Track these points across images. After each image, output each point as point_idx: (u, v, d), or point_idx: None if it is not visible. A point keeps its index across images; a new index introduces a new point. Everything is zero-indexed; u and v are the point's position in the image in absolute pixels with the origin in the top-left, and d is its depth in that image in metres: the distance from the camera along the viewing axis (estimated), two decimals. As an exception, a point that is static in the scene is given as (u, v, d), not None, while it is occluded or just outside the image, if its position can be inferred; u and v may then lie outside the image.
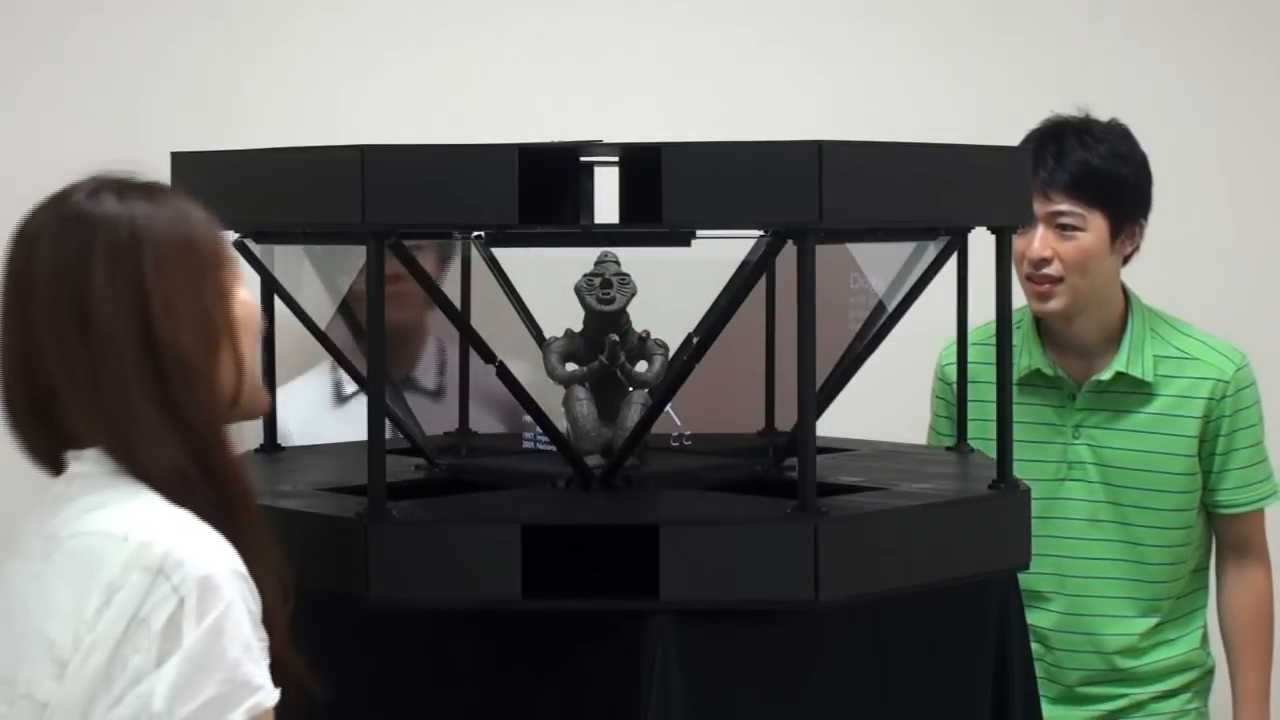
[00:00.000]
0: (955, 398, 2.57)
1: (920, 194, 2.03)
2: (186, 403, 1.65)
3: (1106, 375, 2.75)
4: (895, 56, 3.32)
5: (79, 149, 3.07)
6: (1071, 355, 2.78)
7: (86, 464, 1.67)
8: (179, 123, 3.06)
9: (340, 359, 2.38)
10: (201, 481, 1.65)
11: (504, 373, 2.11)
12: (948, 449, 2.57)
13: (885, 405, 2.94)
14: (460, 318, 2.23)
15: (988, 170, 2.14)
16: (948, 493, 2.20)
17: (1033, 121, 2.80)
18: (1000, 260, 2.17)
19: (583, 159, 2.02)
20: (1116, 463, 2.74)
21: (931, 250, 2.25)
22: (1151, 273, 2.84)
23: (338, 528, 1.98)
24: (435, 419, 2.70)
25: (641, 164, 1.91)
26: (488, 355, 2.12)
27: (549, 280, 2.32)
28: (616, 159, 1.98)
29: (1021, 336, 2.77)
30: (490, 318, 2.47)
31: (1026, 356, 2.77)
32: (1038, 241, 2.69)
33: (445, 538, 1.95)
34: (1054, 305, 2.71)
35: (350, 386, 2.92)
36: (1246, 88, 3.43)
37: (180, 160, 2.17)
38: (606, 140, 2.01)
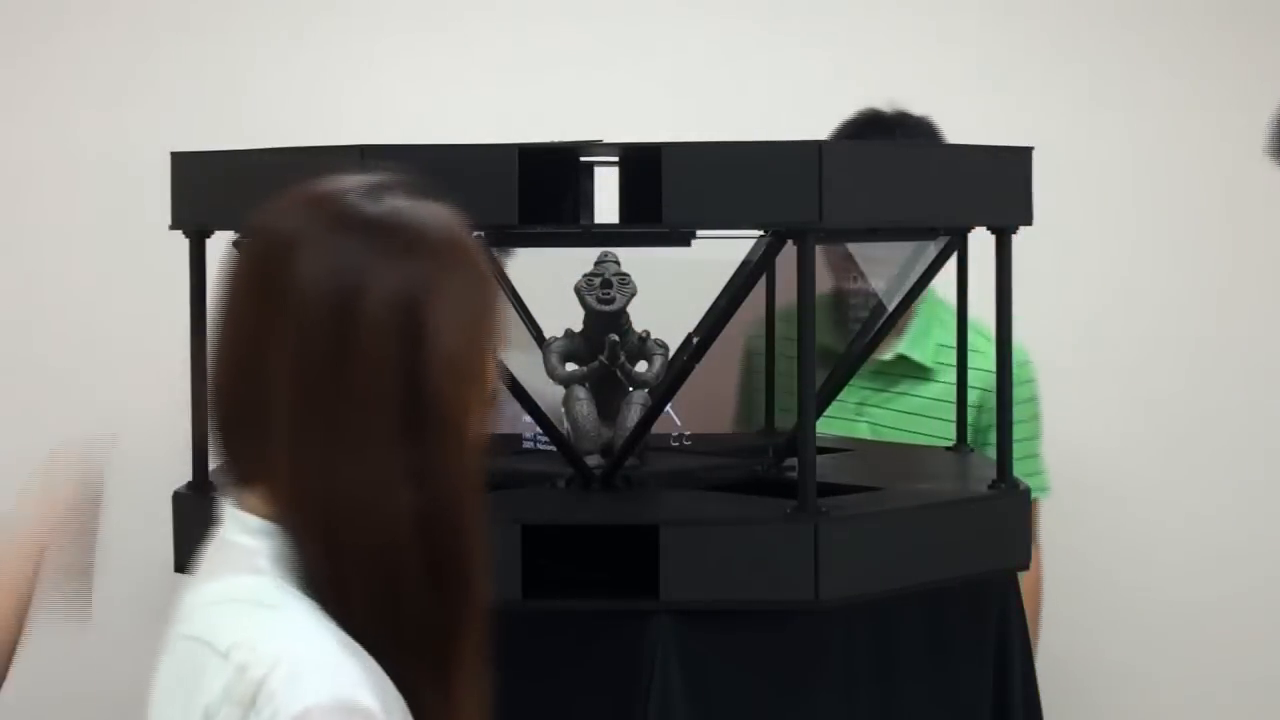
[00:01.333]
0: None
1: (920, 194, 2.03)
2: (435, 468, 1.33)
3: (888, 356, 2.79)
4: (896, 56, 3.32)
5: (79, 149, 3.09)
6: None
7: (250, 535, 1.36)
8: (179, 123, 3.06)
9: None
10: (417, 572, 1.33)
11: (504, 372, 2.11)
12: (948, 449, 2.56)
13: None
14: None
15: (988, 170, 2.14)
16: (947, 493, 2.20)
17: (1034, 120, 2.80)
18: (1000, 260, 2.17)
19: (583, 159, 2.02)
20: (894, 442, 2.77)
21: (931, 250, 2.25)
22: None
23: (338, 528, 1.98)
24: None
25: (641, 164, 1.91)
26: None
27: (549, 280, 2.32)
28: (616, 159, 1.98)
29: (821, 313, 2.77)
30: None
31: (820, 334, 2.76)
32: None
33: (445, 538, 1.95)
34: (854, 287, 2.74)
35: None
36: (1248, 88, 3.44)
37: (180, 160, 2.17)
38: (606, 140, 2.01)
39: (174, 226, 2.20)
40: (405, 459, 1.32)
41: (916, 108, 2.94)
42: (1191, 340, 3.36)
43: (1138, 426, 3.35)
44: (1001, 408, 2.20)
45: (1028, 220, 2.21)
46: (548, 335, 2.31)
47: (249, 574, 1.34)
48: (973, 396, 2.71)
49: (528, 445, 2.41)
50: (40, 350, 3.04)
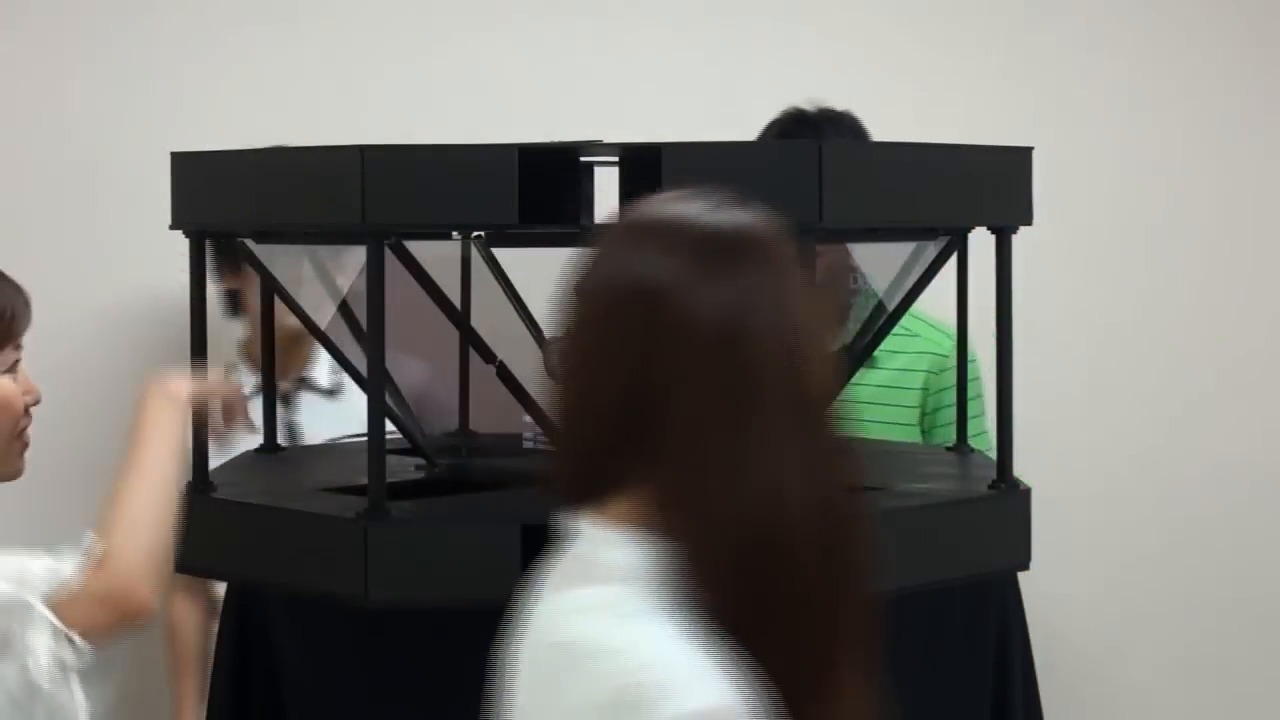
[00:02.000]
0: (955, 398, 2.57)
1: (920, 194, 2.03)
2: (821, 463, 1.37)
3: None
4: (896, 56, 3.32)
5: (79, 149, 3.09)
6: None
7: (617, 547, 1.38)
8: (179, 122, 3.06)
9: (340, 358, 2.38)
10: (812, 572, 1.34)
11: (504, 373, 2.11)
12: (948, 449, 2.56)
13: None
14: (460, 318, 2.23)
15: (988, 170, 2.14)
16: (948, 493, 2.20)
17: (1034, 120, 2.80)
18: (1000, 260, 2.17)
19: (583, 159, 2.02)
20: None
21: (931, 250, 2.25)
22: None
23: (338, 528, 1.98)
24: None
25: (641, 164, 1.91)
26: (488, 355, 2.12)
27: (549, 280, 2.32)
28: (616, 159, 1.98)
29: None
30: (490, 318, 2.47)
31: None
32: None
33: (445, 538, 1.95)
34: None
35: (244, 389, 2.89)
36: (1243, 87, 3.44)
37: (180, 160, 2.17)
38: (606, 140, 2.01)
39: (174, 226, 2.20)
40: (798, 459, 1.35)
41: (917, 107, 2.95)
42: (1192, 341, 3.36)
43: (1135, 426, 3.36)
44: (1002, 406, 2.19)
45: (1028, 220, 2.21)
46: (548, 335, 2.30)
47: (615, 584, 1.36)
48: (918, 379, 2.76)
49: (528, 445, 2.41)
50: (42, 350, 3.04)
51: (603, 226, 1.43)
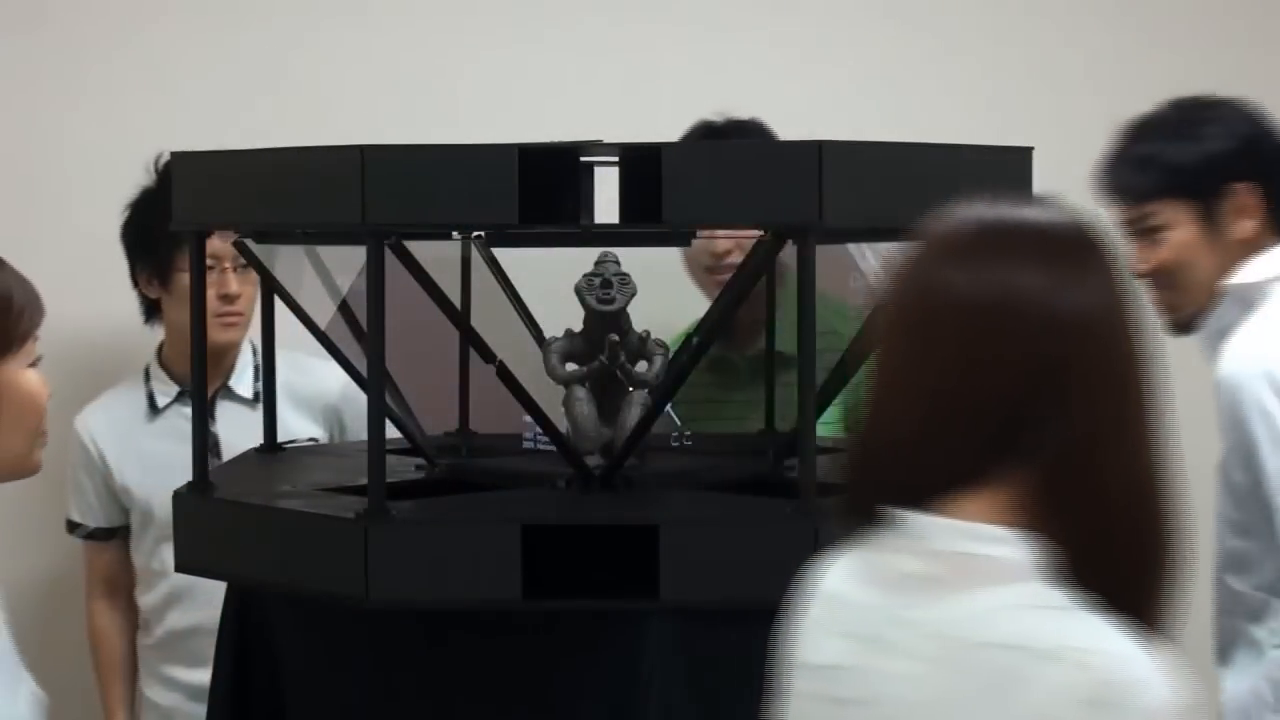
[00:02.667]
0: None
1: (920, 194, 2.03)
2: (1159, 446, 1.45)
3: (750, 353, 2.82)
4: (896, 56, 3.32)
5: (79, 149, 3.09)
6: (739, 332, 2.83)
7: (998, 544, 1.39)
8: (179, 123, 3.06)
9: (340, 359, 2.38)
10: (1167, 550, 1.44)
11: (504, 373, 2.11)
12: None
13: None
14: (460, 318, 2.23)
15: (988, 170, 2.14)
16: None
17: (1033, 120, 2.80)
18: (1000, 260, 2.16)
19: (583, 159, 2.02)
20: None
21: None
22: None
23: (338, 528, 1.98)
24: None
25: (641, 164, 1.91)
26: (488, 355, 2.12)
27: (549, 280, 2.32)
28: (616, 159, 1.98)
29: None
30: (490, 318, 2.47)
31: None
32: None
33: (445, 538, 1.95)
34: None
35: (163, 398, 2.89)
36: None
37: (180, 160, 2.17)
38: (606, 140, 2.01)
39: (174, 227, 2.20)
40: (1155, 444, 1.43)
41: (916, 107, 2.94)
42: (1192, 340, 3.36)
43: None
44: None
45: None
46: (548, 335, 2.30)
47: (1019, 582, 1.38)
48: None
49: (528, 445, 2.41)
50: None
51: (932, 236, 1.49)
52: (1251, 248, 2.43)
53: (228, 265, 2.76)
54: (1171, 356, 1.65)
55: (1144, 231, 2.46)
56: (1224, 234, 2.43)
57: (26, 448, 1.94)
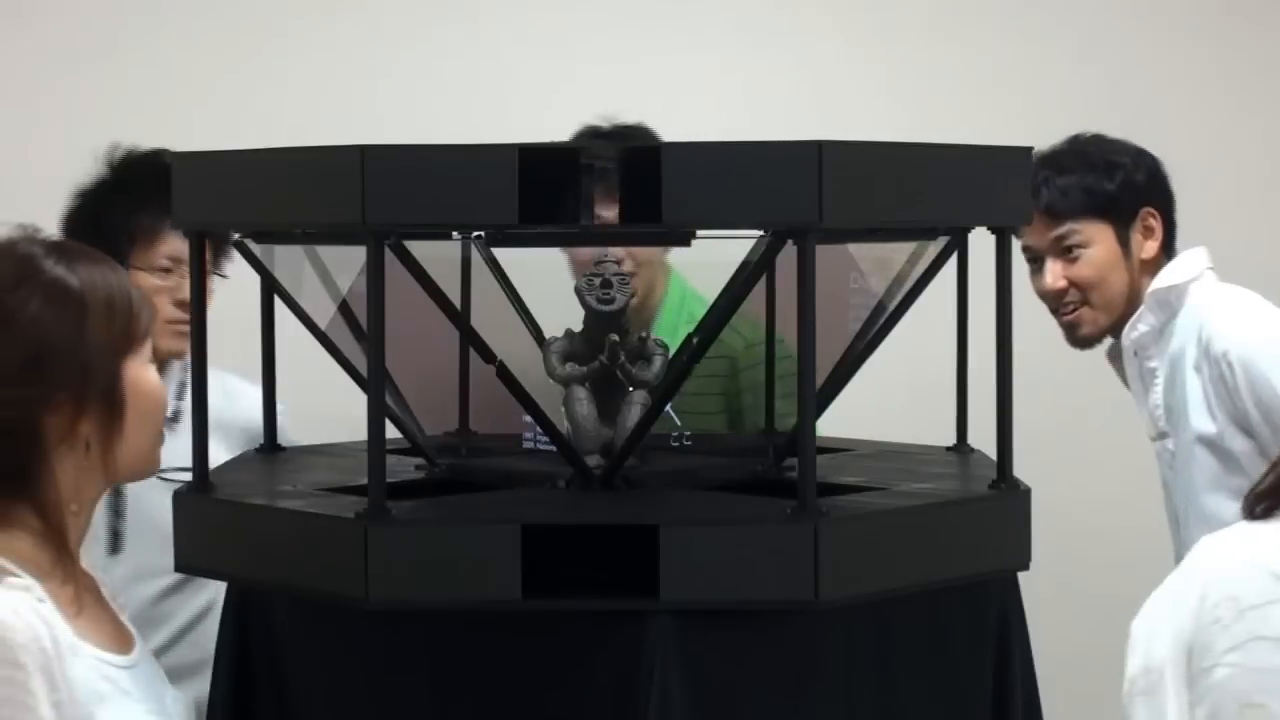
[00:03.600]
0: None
1: (920, 194, 2.03)
2: None
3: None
4: (897, 56, 3.33)
5: (78, 149, 3.10)
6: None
7: None
8: (179, 122, 3.06)
9: (339, 359, 2.38)
10: None
11: (504, 373, 2.11)
12: (948, 449, 2.56)
13: (885, 405, 2.94)
14: (460, 318, 2.23)
15: (988, 170, 2.14)
16: (948, 493, 2.20)
17: (1033, 120, 2.80)
18: (1000, 260, 2.17)
19: (583, 159, 2.02)
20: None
21: (931, 250, 2.25)
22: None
23: (338, 528, 1.98)
24: None
25: (641, 164, 1.91)
26: (488, 355, 2.12)
27: (549, 280, 2.32)
28: (616, 159, 1.98)
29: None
30: (490, 318, 2.48)
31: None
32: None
33: (445, 538, 1.95)
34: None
35: None
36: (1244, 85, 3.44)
37: (180, 160, 2.17)
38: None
39: (174, 226, 2.20)
40: None
41: (916, 107, 2.94)
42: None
43: (1136, 425, 3.36)
44: (1002, 405, 2.19)
45: (1028, 220, 2.21)
46: (548, 335, 2.30)
47: None
48: (723, 366, 2.86)
49: (528, 445, 2.41)
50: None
51: None
52: (1151, 267, 2.83)
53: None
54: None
55: (1065, 250, 2.81)
56: (1132, 254, 2.82)
57: (151, 446, 1.94)
